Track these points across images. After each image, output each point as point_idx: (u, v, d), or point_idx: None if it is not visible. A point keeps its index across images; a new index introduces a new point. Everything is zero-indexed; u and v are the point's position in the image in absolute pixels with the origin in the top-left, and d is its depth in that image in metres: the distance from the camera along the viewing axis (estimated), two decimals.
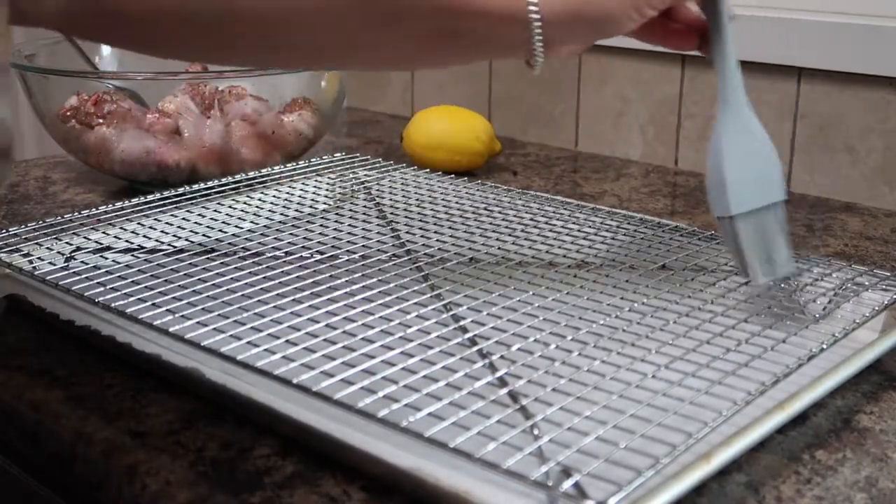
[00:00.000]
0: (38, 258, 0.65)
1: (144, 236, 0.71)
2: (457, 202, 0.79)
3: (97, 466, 0.48)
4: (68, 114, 0.89)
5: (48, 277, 0.61)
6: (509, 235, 0.71)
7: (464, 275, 0.63)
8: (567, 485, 0.40)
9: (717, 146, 0.59)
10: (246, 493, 0.44)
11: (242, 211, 0.78)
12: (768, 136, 0.59)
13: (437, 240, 0.70)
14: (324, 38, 0.53)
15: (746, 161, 0.58)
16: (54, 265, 0.64)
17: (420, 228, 0.73)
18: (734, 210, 0.57)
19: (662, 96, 1.03)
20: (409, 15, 0.51)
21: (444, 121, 0.99)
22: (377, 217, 0.77)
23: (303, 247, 0.68)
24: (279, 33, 0.53)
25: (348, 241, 0.70)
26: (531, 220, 0.75)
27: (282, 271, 0.63)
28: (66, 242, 0.69)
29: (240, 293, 0.59)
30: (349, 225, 0.74)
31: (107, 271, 0.63)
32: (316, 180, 0.85)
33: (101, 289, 0.60)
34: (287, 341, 0.52)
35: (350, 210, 0.79)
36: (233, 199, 0.79)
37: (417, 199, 0.80)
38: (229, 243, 0.70)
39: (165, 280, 0.61)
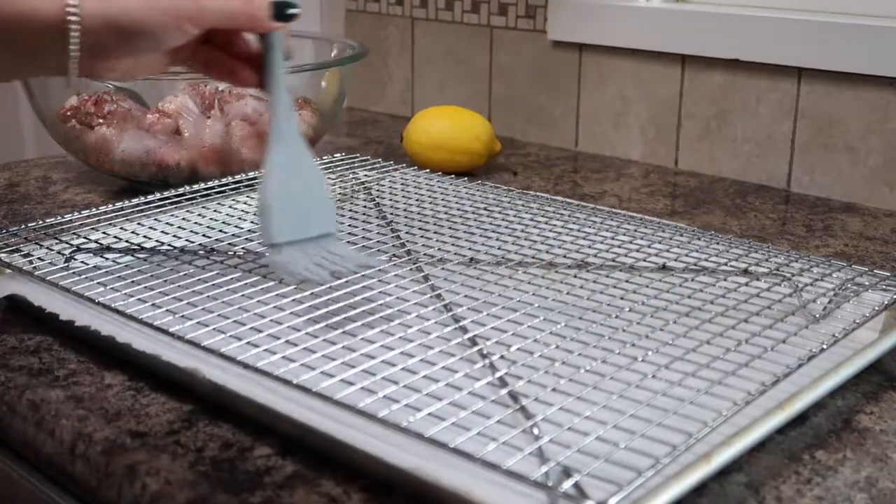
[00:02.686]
0: (38, 258, 0.65)
1: (144, 236, 0.71)
2: (457, 202, 0.79)
3: (97, 466, 0.48)
4: (68, 114, 0.89)
5: (48, 277, 0.62)
6: (509, 235, 0.71)
7: (464, 275, 0.63)
8: (567, 485, 0.40)
9: (267, 179, 0.61)
10: (246, 493, 0.44)
11: (242, 211, 0.78)
12: (321, 173, 0.63)
13: (437, 240, 0.70)
14: None
15: (293, 195, 0.61)
16: (54, 265, 0.64)
17: (420, 228, 0.73)
18: (275, 239, 0.60)
19: (662, 96, 1.03)
20: None
21: (444, 121, 0.99)
22: (377, 217, 0.76)
23: None
24: None
25: (348, 242, 0.70)
26: (531, 220, 0.75)
27: None
28: (66, 242, 0.69)
29: (240, 293, 0.59)
30: (349, 225, 0.74)
31: (107, 271, 0.63)
32: None
33: (102, 289, 0.60)
34: (287, 341, 0.52)
35: (350, 210, 0.79)
36: (233, 199, 0.79)
37: (417, 199, 0.80)
38: (229, 243, 0.70)
39: (165, 280, 0.61)
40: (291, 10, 0.59)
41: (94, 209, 0.74)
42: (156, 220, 0.74)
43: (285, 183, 0.61)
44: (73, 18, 0.52)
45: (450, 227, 0.73)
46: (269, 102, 0.61)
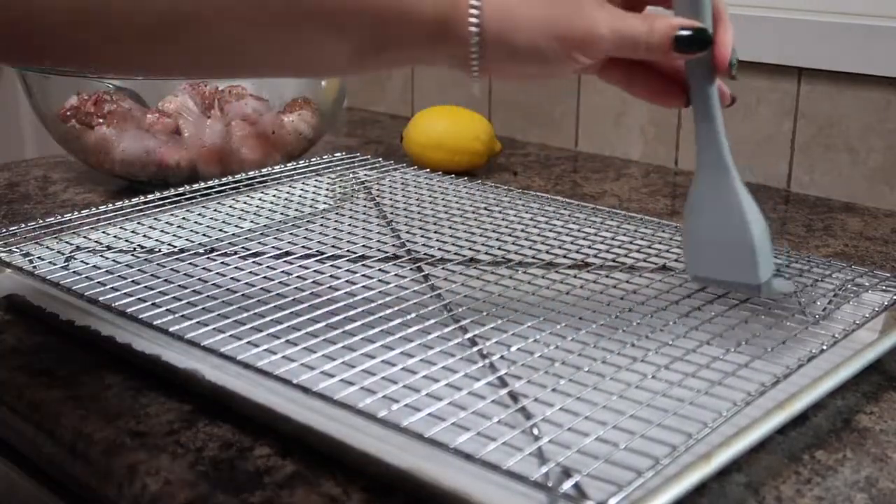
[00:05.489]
0: (38, 258, 0.65)
1: (144, 236, 0.71)
2: (457, 202, 0.79)
3: (97, 466, 0.48)
4: (68, 114, 0.89)
5: (48, 277, 0.61)
6: (509, 235, 0.71)
7: (464, 275, 0.63)
8: (567, 485, 0.40)
9: (689, 203, 0.57)
10: (246, 493, 0.44)
11: (242, 211, 0.78)
12: (756, 215, 0.55)
13: (437, 240, 0.70)
14: (232, 34, 0.48)
15: (714, 230, 0.55)
16: (54, 265, 0.64)
17: (420, 228, 0.73)
18: (692, 272, 0.57)
19: None
20: (326, 17, 0.48)
21: (444, 121, 0.99)
22: (377, 217, 0.76)
23: (303, 247, 0.68)
24: (188, 31, 0.47)
25: (348, 241, 0.70)
26: (531, 220, 0.75)
27: (282, 271, 0.63)
28: (66, 242, 0.69)
29: (240, 293, 0.59)
30: (349, 225, 0.74)
31: (107, 271, 0.63)
32: (316, 180, 0.85)
33: (101, 289, 0.60)
34: (287, 341, 0.52)
35: (350, 210, 0.79)
36: (233, 199, 0.79)
37: (417, 199, 0.80)
38: (229, 243, 0.70)
39: (165, 280, 0.61)
40: (701, 37, 0.52)
41: (94, 209, 0.74)
42: (156, 219, 0.74)
43: (707, 216, 0.56)
44: (473, 29, 0.49)
45: (450, 227, 0.73)
46: (696, 128, 0.56)
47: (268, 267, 0.64)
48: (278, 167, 0.87)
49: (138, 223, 0.73)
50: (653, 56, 0.52)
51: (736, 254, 0.54)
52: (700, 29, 0.52)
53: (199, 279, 0.61)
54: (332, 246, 0.68)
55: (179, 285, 0.60)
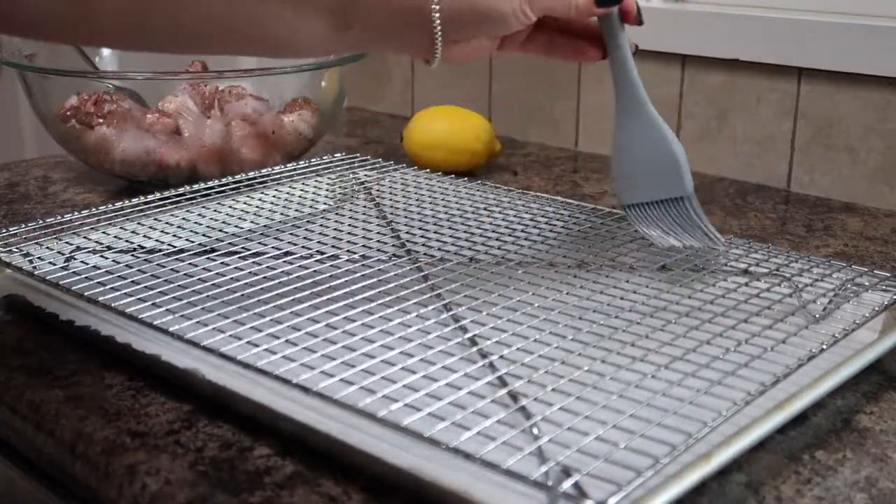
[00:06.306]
0: (38, 258, 0.65)
1: (144, 236, 0.71)
2: (457, 202, 0.79)
3: (97, 466, 0.48)
4: (68, 114, 0.89)
5: (48, 277, 0.62)
6: (509, 235, 0.71)
7: (464, 275, 0.63)
8: (567, 485, 0.40)
9: (615, 143, 0.67)
10: (246, 493, 0.44)
11: (242, 211, 0.78)
12: (671, 137, 0.66)
13: (437, 240, 0.70)
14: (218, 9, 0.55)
15: (642, 160, 0.67)
16: (54, 265, 0.64)
17: (420, 228, 0.73)
18: (625, 201, 0.68)
19: (662, 96, 1.03)
20: None
21: (444, 121, 0.99)
22: (377, 217, 0.77)
23: (303, 247, 0.68)
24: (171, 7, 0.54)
25: (348, 241, 0.70)
26: (531, 220, 0.75)
27: (282, 271, 0.63)
28: (66, 242, 0.69)
29: (240, 293, 0.59)
30: (349, 225, 0.74)
31: (107, 271, 0.63)
32: (316, 180, 0.85)
33: (101, 289, 0.60)
34: (287, 341, 0.52)
35: (350, 210, 0.79)
36: (233, 199, 0.79)
37: (417, 199, 0.80)
38: (229, 243, 0.70)
39: (165, 280, 0.61)
40: None
41: (94, 209, 0.74)
42: (156, 219, 0.74)
43: (634, 149, 0.67)
44: (435, 7, 0.58)
45: (450, 227, 0.73)
46: (613, 74, 0.67)
47: (268, 267, 0.64)
48: (278, 167, 0.87)
49: (138, 223, 0.73)
50: (578, 14, 0.62)
51: (664, 173, 0.66)
52: None
53: (199, 279, 0.61)
54: (332, 246, 0.68)
55: (179, 285, 0.60)
